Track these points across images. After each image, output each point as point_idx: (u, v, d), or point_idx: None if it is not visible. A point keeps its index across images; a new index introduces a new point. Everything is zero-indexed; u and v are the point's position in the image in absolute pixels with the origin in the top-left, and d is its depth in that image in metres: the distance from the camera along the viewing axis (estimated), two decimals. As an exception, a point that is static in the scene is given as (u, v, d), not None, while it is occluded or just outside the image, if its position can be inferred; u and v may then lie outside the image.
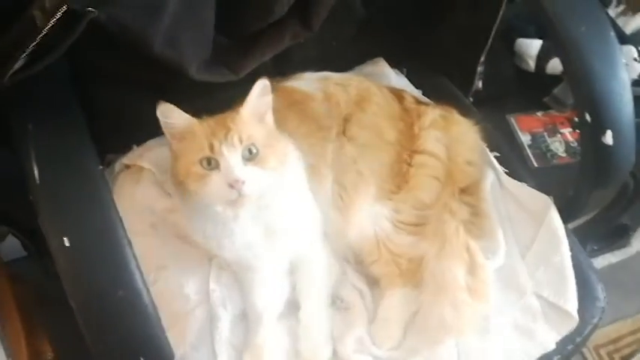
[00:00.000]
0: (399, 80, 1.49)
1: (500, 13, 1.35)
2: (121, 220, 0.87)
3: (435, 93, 1.41)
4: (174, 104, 0.99)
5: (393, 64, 1.51)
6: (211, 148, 0.96)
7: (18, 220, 1.16)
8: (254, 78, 1.16)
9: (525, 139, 1.63)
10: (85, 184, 0.86)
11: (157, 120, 1.01)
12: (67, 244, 0.81)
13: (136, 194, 1.24)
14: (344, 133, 1.17)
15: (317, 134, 1.16)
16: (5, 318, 1.34)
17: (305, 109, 1.18)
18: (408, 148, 1.21)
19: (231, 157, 0.96)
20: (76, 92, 1.02)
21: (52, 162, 0.87)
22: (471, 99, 1.53)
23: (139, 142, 1.33)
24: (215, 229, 1.04)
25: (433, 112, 1.27)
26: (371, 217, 1.15)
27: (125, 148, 1.33)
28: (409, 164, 1.20)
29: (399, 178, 1.18)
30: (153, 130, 1.09)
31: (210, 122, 1.00)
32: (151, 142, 1.32)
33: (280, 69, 1.31)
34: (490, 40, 1.40)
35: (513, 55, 1.82)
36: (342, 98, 1.21)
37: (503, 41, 1.76)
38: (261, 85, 1.00)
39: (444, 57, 1.51)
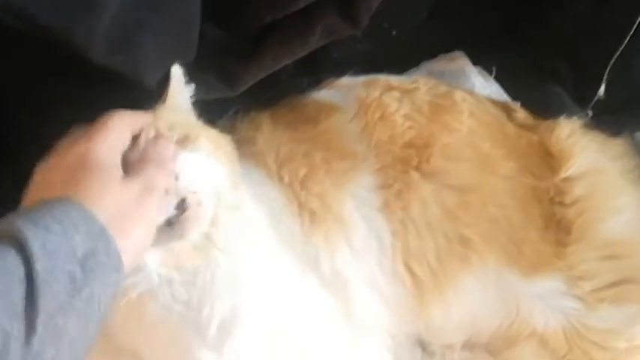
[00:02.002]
0: (485, 84, 1.17)
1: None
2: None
3: (538, 103, 1.06)
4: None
5: (477, 61, 1.20)
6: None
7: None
8: (261, 91, 0.93)
9: (667, 167, 1.23)
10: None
11: None
12: None
13: None
14: (417, 166, 0.87)
15: (332, 165, 0.86)
16: None
17: (316, 128, 0.90)
18: (547, 180, 0.90)
19: None
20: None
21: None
22: (590, 112, 1.19)
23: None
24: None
25: (569, 123, 0.97)
26: (532, 299, 0.86)
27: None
28: (562, 204, 0.89)
29: (553, 232, 0.88)
30: None
31: None
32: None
33: (308, 73, 1.02)
34: (628, 39, 1.06)
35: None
36: (397, 110, 0.91)
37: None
38: (177, 73, 0.76)
39: (554, 55, 1.18)
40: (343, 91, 0.95)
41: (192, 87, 0.79)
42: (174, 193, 0.65)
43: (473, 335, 0.89)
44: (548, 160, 0.92)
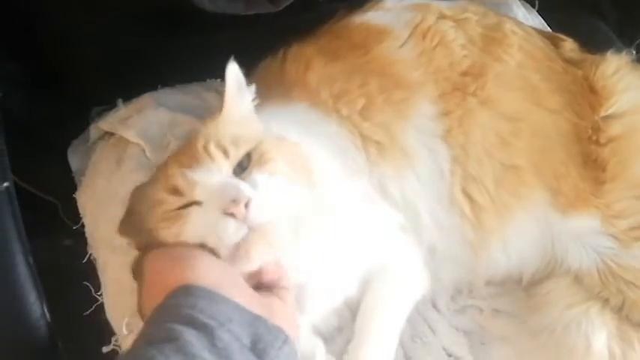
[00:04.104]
0: (528, 16, 1.14)
1: None
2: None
3: (582, 40, 0.99)
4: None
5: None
6: (174, 190, 0.66)
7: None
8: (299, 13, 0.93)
9: None
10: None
11: (153, 63, 0.87)
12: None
13: (114, 182, 0.90)
14: (474, 93, 0.85)
15: (390, 94, 0.84)
16: None
17: (367, 55, 0.86)
18: (587, 118, 0.88)
19: (214, 174, 0.66)
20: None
21: None
22: (634, 52, 1.16)
23: (128, 95, 1.00)
24: None
25: (616, 59, 0.93)
26: (568, 237, 0.85)
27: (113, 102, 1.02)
28: (597, 143, 0.87)
29: (591, 170, 0.87)
30: (151, 76, 0.92)
31: (165, 164, 0.71)
32: (145, 99, 0.98)
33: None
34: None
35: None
36: (454, 39, 0.89)
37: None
38: (234, 73, 0.72)
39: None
40: (392, 14, 0.91)
41: (252, 89, 0.74)
42: (245, 223, 0.63)
43: (515, 274, 0.89)
44: (591, 97, 0.90)
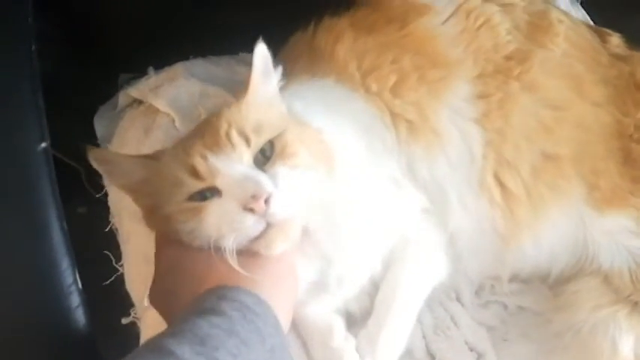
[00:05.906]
0: (571, 8, 1.10)
1: None
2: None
3: (629, 38, 0.96)
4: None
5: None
6: (194, 172, 0.65)
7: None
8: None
9: None
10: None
11: (185, 33, 0.87)
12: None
13: (142, 151, 0.88)
14: (517, 77, 0.84)
15: (425, 71, 0.82)
16: None
17: (404, 30, 0.84)
18: (630, 115, 0.87)
19: (235, 164, 0.65)
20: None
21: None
22: None
23: (160, 63, 0.99)
24: None
25: None
26: (602, 235, 0.83)
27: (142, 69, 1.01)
28: (639, 142, 0.86)
29: (630, 168, 0.85)
30: (182, 46, 0.92)
31: (187, 140, 0.69)
32: (177, 68, 0.97)
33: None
34: None
35: None
36: (499, 23, 0.87)
37: None
38: (262, 54, 0.70)
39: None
40: None
41: (279, 71, 0.73)
42: (264, 219, 0.62)
43: (543, 270, 0.87)
44: (636, 94, 0.88)
